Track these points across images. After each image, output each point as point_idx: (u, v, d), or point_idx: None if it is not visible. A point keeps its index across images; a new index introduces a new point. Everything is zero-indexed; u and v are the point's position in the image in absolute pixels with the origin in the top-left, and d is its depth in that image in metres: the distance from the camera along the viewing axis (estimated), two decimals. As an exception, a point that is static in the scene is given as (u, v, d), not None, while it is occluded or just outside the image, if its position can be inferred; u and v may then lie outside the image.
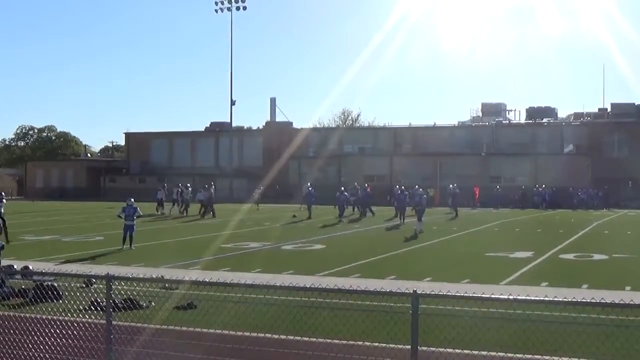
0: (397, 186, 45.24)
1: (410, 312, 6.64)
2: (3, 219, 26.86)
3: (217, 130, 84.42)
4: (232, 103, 77.31)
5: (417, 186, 46.07)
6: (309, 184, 47.47)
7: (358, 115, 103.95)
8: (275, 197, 63.06)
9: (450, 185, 50.06)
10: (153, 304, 12.81)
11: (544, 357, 8.58)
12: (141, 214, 26.16)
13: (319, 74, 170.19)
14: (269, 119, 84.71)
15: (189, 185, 48.16)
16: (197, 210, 44.04)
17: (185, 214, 44.38)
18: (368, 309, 11.07)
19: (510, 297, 6.79)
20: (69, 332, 9.25)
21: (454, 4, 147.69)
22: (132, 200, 25.60)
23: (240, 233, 31.57)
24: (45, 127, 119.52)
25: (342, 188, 44.61)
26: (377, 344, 9.24)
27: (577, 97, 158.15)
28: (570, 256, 22.65)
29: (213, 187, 46.46)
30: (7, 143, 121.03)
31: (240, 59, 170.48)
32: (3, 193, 28.22)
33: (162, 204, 46.95)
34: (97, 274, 9.55)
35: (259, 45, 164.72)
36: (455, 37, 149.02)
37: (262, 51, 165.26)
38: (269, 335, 9.35)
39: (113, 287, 8.17)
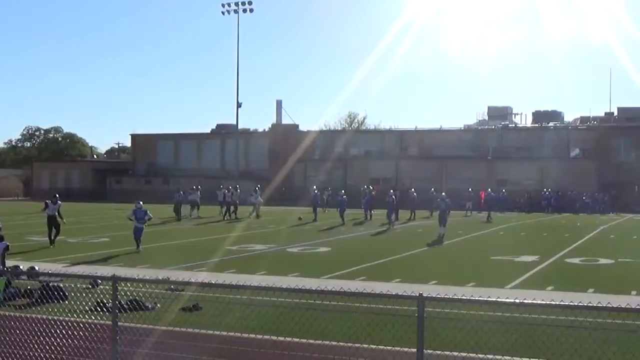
0: (411, 189, 45.42)
1: (416, 315, 6.64)
2: (58, 223, 26.76)
3: (223, 132, 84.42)
4: (238, 105, 77.38)
5: (432, 189, 45.90)
6: (314, 187, 47.53)
7: (364, 118, 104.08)
8: (281, 200, 63.20)
9: (469, 189, 51.04)
10: (159, 305, 12.84)
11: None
12: (151, 217, 26.22)
13: (326, 76, 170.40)
14: (275, 121, 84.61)
15: (237, 186, 48.28)
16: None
17: (234, 217, 44.26)
18: (374, 312, 11.08)
19: (516, 300, 6.78)
20: (75, 333, 9.28)
21: (460, 8, 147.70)
22: (141, 203, 25.61)
23: (246, 235, 31.58)
24: (52, 128, 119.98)
25: (343, 191, 44.32)
26: (382, 346, 9.24)
27: (583, 101, 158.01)
28: (576, 260, 22.60)
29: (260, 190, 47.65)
30: (14, 144, 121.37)
31: (247, 61, 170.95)
32: (57, 195, 28.16)
33: (198, 207, 46.56)
34: (102, 275, 9.57)
35: (266, 48, 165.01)
36: (461, 41, 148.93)
37: (269, 53, 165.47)
38: (274, 337, 9.36)
39: (119, 288, 8.19)
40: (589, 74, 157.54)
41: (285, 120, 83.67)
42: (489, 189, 50.15)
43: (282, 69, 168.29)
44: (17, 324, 9.96)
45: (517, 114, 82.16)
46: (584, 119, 76.57)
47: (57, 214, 26.83)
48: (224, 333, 9.41)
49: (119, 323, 8.27)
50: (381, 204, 43.81)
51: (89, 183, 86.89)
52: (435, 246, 27.51)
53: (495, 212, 52.29)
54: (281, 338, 9.04)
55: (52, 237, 26.31)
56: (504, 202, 57.03)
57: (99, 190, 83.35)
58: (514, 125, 78.44)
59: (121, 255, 23.46)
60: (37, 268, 17.89)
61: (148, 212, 25.35)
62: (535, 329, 10.31)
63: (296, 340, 8.55)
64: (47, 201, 27.62)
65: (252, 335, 9.33)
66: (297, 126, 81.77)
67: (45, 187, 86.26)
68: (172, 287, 14.32)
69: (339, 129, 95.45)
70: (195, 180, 57.20)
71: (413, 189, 46.77)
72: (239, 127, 79.99)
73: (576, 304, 6.40)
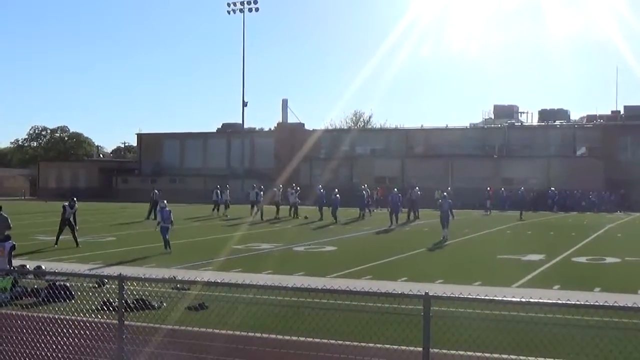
0: (415, 188, 45.34)
1: (422, 314, 6.63)
2: (73, 224, 26.65)
3: (229, 131, 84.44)
4: (244, 104, 77.43)
5: (449, 188, 45.84)
6: (320, 186, 47.53)
7: (370, 117, 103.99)
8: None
9: (488, 188, 53.65)
10: (165, 304, 12.86)
11: (556, 360, 8.54)
12: (172, 219, 26.03)
13: (331, 75, 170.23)
14: (280, 120, 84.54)
15: (281, 186, 48.14)
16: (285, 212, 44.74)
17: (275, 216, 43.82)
18: (380, 311, 11.08)
19: (522, 299, 6.77)
20: (81, 332, 9.28)
21: (466, 5, 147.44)
22: (165, 202, 25.64)
23: (252, 234, 31.61)
24: (58, 127, 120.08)
25: (336, 190, 44.03)
26: (388, 345, 9.22)
27: (589, 99, 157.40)
28: (583, 259, 22.54)
29: (299, 190, 46.94)
30: (21, 143, 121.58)
31: (253, 60, 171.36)
32: (75, 199, 27.97)
33: (227, 206, 46.57)
34: (109, 274, 9.59)
35: (271, 47, 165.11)
36: (467, 39, 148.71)
37: (274, 52, 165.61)
38: (280, 336, 9.35)
39: (125, 287, 8.19)
40: (595, 72, 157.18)
41: (291, 119, 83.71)
42: (488, 187, 50.29)
43: (288, 67, 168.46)
44: (24, 323, 9.97)
45: (523, 112, 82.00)
46: (590, 118, 76.31)
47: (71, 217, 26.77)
48: (230, 332, 9.40)
49: (125, 322, 8.28)
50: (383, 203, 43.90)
51: (95, 182, 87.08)
52: (441, 245, 27.47)
53: (498, 211, 52.25)
54: (287, 337, 9.03)
55: (74, 238, 26.04)
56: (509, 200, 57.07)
57: (105, 190, 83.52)
58: (520, 123, 78.28)
59: (128, 254, 23.50)
60: (43, 267, 17.94)
61: (171, 212, 25.33)
62: (542, 328, 10.28)
63: (302, 339, 8.54)
64: (65, 204, 27.14)
65: (258, 334, 9.32)
66: (302, 125, 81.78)
67: (51, 186, 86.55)
68: (178, 286, 14.33)
69: (345, 127, 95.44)
70: (201, 179, 57.26)
71: (417, 188, 46.59)
72: (245, 126, 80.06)
73: (582, 303, 6.38)
